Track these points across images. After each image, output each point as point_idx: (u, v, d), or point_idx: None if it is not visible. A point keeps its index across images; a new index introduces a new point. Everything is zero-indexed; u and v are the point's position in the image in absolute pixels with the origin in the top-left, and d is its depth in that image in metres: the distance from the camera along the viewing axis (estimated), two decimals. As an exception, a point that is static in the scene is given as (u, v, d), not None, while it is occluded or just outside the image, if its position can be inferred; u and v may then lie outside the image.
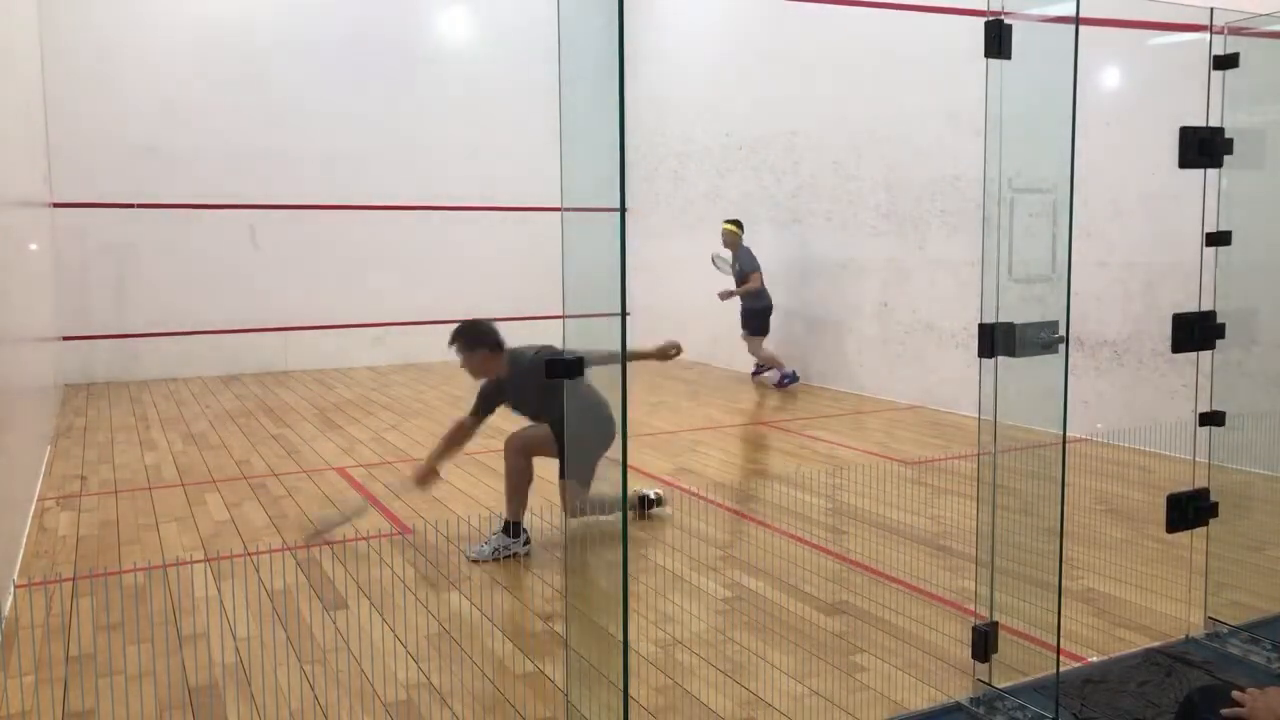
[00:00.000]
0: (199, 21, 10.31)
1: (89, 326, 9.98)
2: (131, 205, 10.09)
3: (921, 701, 3.06)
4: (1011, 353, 2.73)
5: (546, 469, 4.80)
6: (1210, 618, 3.52)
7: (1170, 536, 3.38)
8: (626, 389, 2.37)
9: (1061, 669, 2.95)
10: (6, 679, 3.27)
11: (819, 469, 6.18)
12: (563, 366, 2.34)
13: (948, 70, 7.14)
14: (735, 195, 10.56)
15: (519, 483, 4.66)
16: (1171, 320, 3.15)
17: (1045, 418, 2.83)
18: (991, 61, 2.73)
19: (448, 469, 5.27)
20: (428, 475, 4.83)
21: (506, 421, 4.85)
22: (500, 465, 4.83)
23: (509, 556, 4.47)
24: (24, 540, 4.77)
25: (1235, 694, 2.04)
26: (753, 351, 9.66)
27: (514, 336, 4.99)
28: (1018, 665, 3.02)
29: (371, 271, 11.13)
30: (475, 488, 5.77)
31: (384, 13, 11.09)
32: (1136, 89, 6.79)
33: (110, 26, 9.96)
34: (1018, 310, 2.77)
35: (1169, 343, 3.20)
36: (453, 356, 5.13)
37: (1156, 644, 3.42)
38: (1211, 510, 3.29)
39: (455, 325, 4.76)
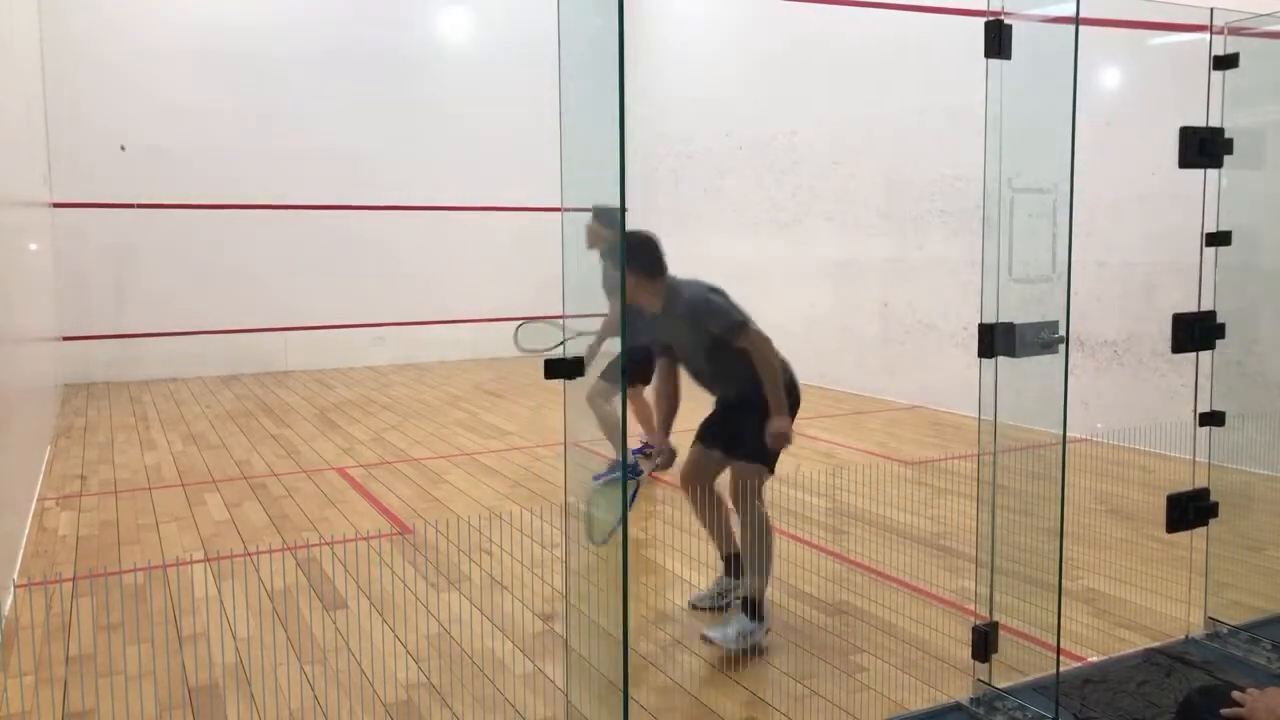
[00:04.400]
0: (199, 22, 10.30)
1: (89, 326, 9.98)
2: (131, 205, 10.10)
3: (921, 701, 3.06)
4: (1011, 353, 2.73)
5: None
6: (1210, 618, 3.52)
7: (1170, 536, 3.38)
8: (626, 389, 2.37)
9: (1061, 669, 2.95)
10: (6, 679, 3.27)
11: (819, 469, 6.18)
12: (563, 367, 2.34)
13: (948, 70, 7.14)
14: (735, 195, 10.56)
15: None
16: (1171, 320, 3.15)
17: (1045, 418, 2.83)
18: (991, 61, 2.73)
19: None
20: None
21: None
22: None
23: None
24: (24, 540, 4.77)
25: (1235, 694, 2.04)
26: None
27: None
28: (1018, 665, 3.02)
29: (371, 271, 11.12)
30: (475, 488, 5.77)
31: (384, 13, 11.09)
32: (1136, 89, 6.79)
33: (110, 27, 9.96)
34: (1018, 310, 2.77)
35: (1169, 343, 3.20)
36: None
37: (1156, 644, 3.41)
38: (1211, 510, 3.29)
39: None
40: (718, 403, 3.86)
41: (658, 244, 3.79)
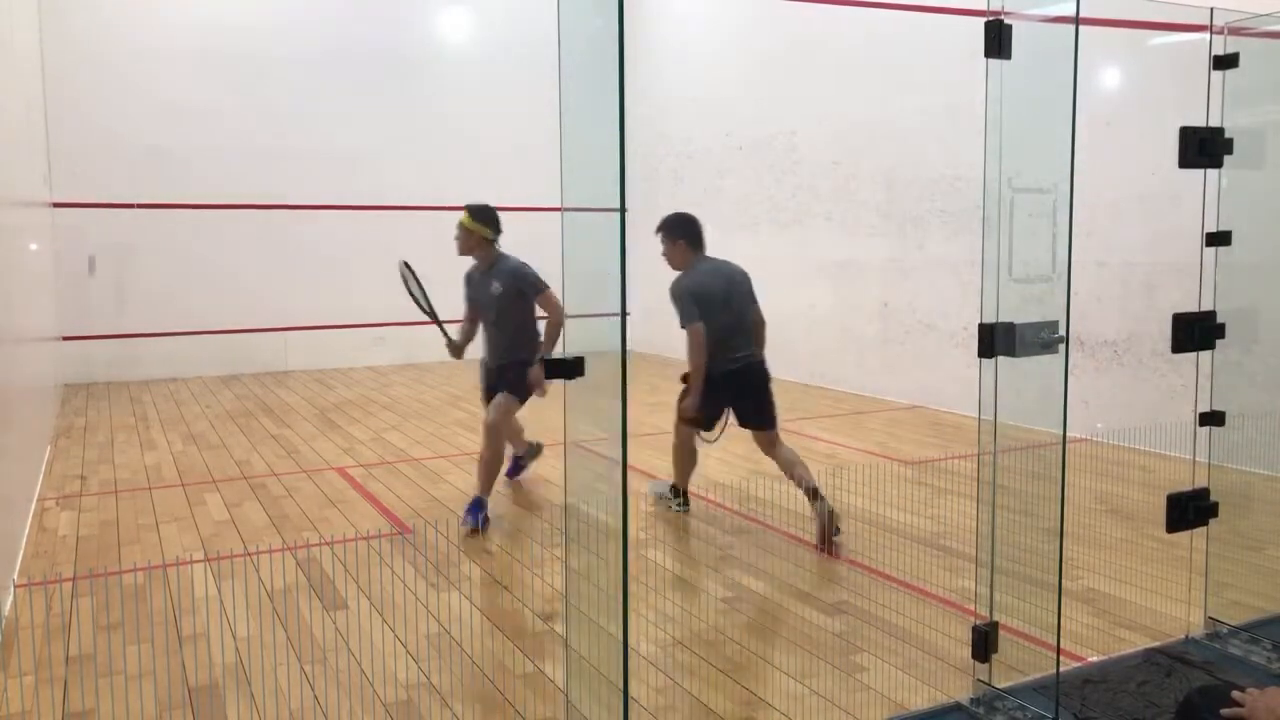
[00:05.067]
0: (199, 22, 10.31)
1: (89, 326, 9.98)
2: (131, 205, 10.10)
3: (921, 701, 3.06)
4: (1011, 353, 2.73)
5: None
6: (1210, 618, 3.51)
7: (1170, 536, 3.38)
8: (626, 388, 2.37)
9: (1061, 669, 2.95)
10: (6, 679, 3.27)
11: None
12: (562, 367, 2.33)
13: (948, 70, 7.14)
14: (735, 195, 10.56)
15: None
16: (1171, 320, 3.15)
17: (1045, 418, 2.83)
18: (991, 61, 2.73)
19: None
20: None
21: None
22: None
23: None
24: (24, 540, 4.77)
25: (1235, 694, 2.04)
26: (505, 426, 5.35)
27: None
28: (1018, 665, 3.02)
29: (371, 271, 11.11)
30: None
31: (384, 13, 11.09)
32: (1136, 89, 6.79)
33: (110, 27, 9.96)
34: (1018, 310, 2.77)
35: (1169, 343, 3.20)
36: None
37: (1156, 644, 3.41)
38: (1211, 510, 3.29)
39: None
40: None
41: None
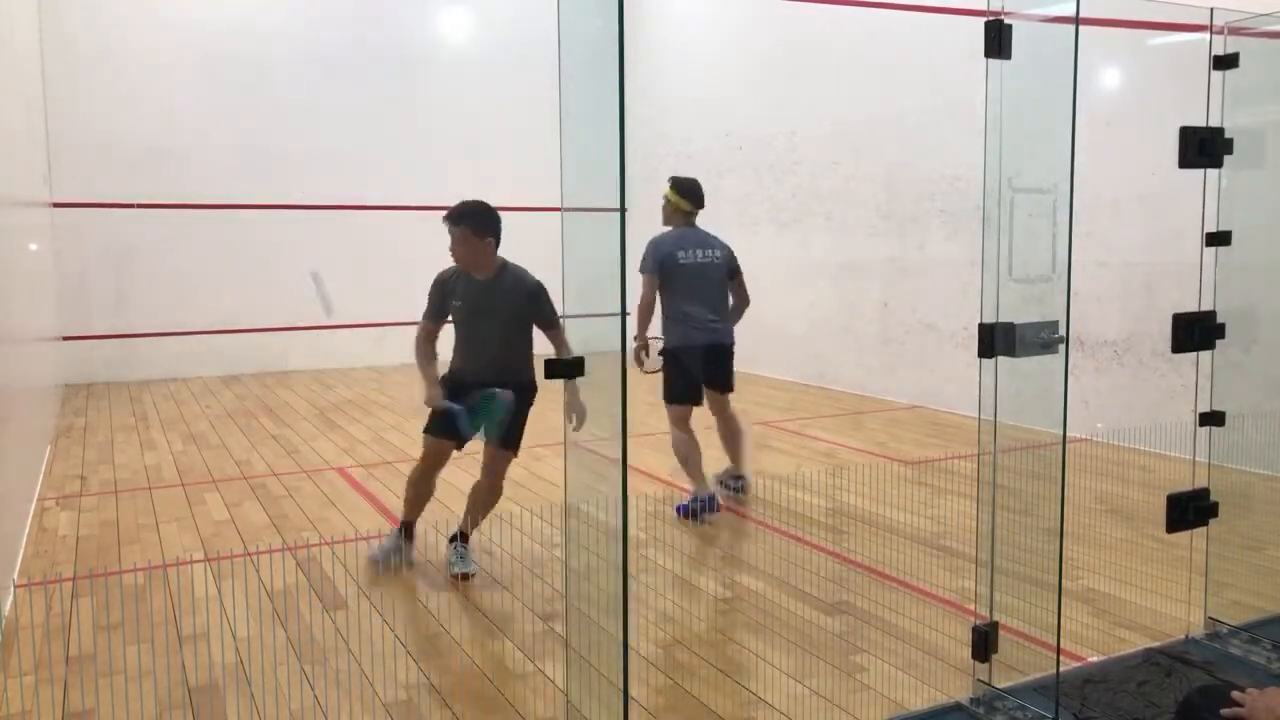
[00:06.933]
0: (199, 22, 10.31)
1: (89, 326, 9.97)
2: (131, 205, 10.10)
3: (921, 701, 3.07)
4: (1011, 353, 2.73)
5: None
6: (1210, 618, 3.51)
7: (1170, 536, 3.37)
8: (627, 389, 2.37)
9: (1061, 669, 2.95)
10: (6, 679, 3.27)
11: (819, 469, 6.18)
12: (563, 368, 2.33)
13: (948, 70, 7.14)
14: (735, 195, 10.56)
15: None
16: (1171, 320, 3.15)
17: (1045, 418, 2.83)
18: (991, 61, 2.73)
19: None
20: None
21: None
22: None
23: None
24: (24, 540, 4.77)
25: (1235, 694, 2.04)
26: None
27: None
28: (1018, 665, 3.02)
29: (371, 271, 11.12)
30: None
31: (384, 13, 11.09)
32: (1136, 89, 6.79)
33: (111, 27, 9.96)
34: (1018, 310, 2.77)
35: (1169, 343, 3.20)
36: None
37: (1156, 644, 3.41)
38: (1211, 510, 3.29)
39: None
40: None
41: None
